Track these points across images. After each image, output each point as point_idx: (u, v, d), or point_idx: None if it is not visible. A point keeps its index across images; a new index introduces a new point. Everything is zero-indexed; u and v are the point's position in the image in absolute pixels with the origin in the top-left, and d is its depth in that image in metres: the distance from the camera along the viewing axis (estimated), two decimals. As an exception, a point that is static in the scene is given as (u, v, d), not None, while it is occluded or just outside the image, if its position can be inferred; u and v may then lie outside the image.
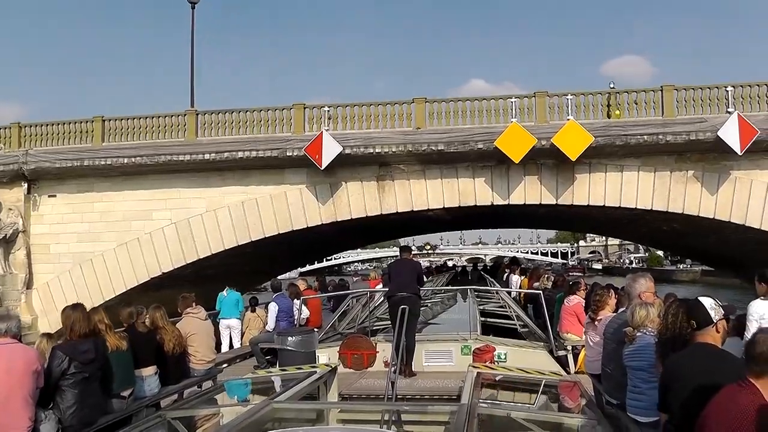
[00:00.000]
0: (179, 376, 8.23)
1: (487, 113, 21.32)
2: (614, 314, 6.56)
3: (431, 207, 21.68)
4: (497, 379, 6.86)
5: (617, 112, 20.92)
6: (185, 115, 23.34)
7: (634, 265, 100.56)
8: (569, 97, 20.75)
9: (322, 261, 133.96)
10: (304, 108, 22.31)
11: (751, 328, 6.82)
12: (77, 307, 6.36)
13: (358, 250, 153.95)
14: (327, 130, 20.66)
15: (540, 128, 20.09)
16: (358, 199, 21.48)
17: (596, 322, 7.14)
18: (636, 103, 21.06)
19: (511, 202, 21.02)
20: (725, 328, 4.09)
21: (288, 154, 20.88)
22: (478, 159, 20.83)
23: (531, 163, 20.40)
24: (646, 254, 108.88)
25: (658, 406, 4.16)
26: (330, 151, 20.16)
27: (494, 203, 21.13)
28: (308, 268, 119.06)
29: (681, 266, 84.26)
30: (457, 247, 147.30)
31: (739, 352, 3.85)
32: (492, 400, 6.01)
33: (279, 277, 31.30)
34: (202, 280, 21.32)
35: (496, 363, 8.63)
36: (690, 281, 69.86)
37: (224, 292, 16.32)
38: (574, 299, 10.78)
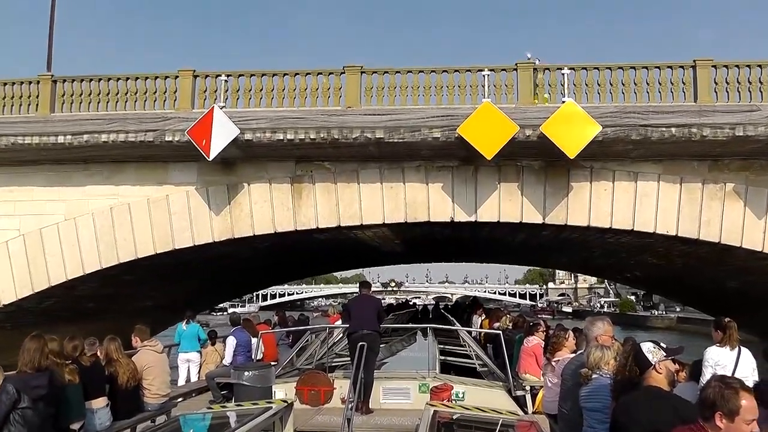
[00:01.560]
0: (132, 410, 8.09)
1: (448, 91, 15.53)
2: (573, 355, 6.61)
3: (366, 222, 15.87)
4: (454, 417, 6.84)
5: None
6: (38, 82, 16.97)
7: (605, 309, 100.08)
8: (565, 71, 15.26)
9: (275, 295, 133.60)
10: (194, 76, 16.31)
11: (706, 373, 6.97)
12: (35, 338, 6.15)
13: (321, 285, 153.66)
14: (222, 107, 15.22)
15: (523, 113, 14.51)
16: (265, 209, 15.73)
17: (553, 363, 7.20)
18: (648, 84, 15.26)
19: (479, 220, 15.38)
20: (669, 369, 4.22)
21: (168, 138, 15.03)
22: (433, 156, 15.20)
23: (509, 164, 15.09)
24: (617, 299, 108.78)
25: None
26: (222, 135, 14.56)
27: (455, 220, 15.47)
28: (269, 302, 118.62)
29: (655, 312, 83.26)
30: (423, 285, 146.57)
31: (695, 397, 3.94)
32: (448, 439, 5.99)
33: (237, 311, 30.76)
34: (80, 318, 16.87)
35: (453, 401, 8.60)
36: (665, 328, 68.95)
37: (183, 325, 15.79)
38: (533, 340, 10.89)
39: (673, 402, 4.00)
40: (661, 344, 4.35)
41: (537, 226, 15.56)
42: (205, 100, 16.10)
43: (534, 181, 15.06)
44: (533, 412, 9.25)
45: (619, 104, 14.84)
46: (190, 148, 14.70)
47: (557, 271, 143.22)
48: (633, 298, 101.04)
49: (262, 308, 72.28)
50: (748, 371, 7.22)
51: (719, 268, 17.68)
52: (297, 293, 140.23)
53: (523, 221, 15.01)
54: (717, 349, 7.46)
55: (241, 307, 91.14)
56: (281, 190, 15.71)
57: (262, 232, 15.82)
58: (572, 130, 13.96)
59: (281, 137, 14.66)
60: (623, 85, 15.23)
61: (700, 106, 14.43)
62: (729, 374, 6.39)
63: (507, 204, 15.03)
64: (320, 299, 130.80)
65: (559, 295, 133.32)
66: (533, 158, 15.00)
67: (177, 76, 16.43)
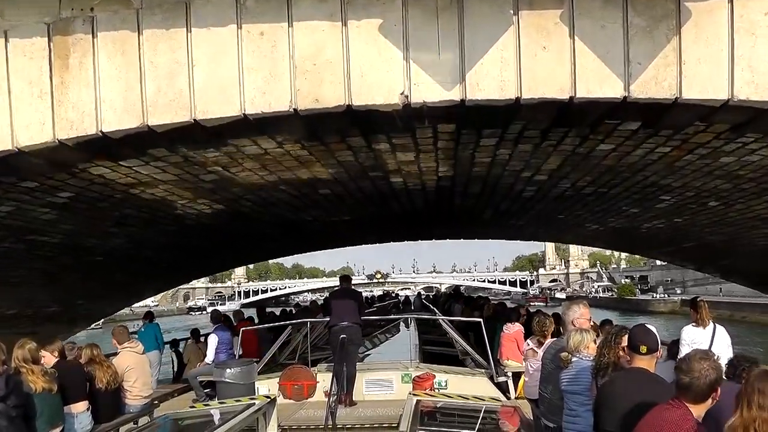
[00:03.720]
0: (114, 413, 8.01)
1: None
2: (552, 340, 6.66)
3: (204, 119, 6.42)
4: (437, 406, 6.89)
5: None
6: None
7: (601, 294, 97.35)
8: None
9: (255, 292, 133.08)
10: None
11: (683, 352, 7.10)
12: None
13: (305, 279, 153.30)
14: None
15: None
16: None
17: (536, 348, 7.24)
18: None
19: (472, 98, 6.03)
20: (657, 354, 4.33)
21: None
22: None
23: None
24: (611, 283, 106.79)
25: (594, 426, 4.35)
26: None
27: (413, 102, 6.11)
28: (251, 299, 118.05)
29: (656, 296, 79.31)
30: (410, 276, 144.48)
31: (672, 375, 4.02)
32: (432, 427, 6.04)
33: (221, 309, 30.25)
34: None
35: (436, 390, 8.66)
36: (669, 312, 66.49)
37: (141, 327, 15.41)
38: (514, 326, 10.97)
39: (661, 386, 4.05)
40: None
41: (598, 122, 6.71)
42: None
43: (598, 6, 6.02)
44: (516, 398, 9.35)
45: None
46: None
47: (547, 256, 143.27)
48: (627, 281, 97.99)
49: (243, 306, 72.10)
50: (723, 347, 7.40)
51: None
52: (280, 288, 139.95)
53: (576, 97, 6.05)
54: (693, 328, 7.70)
55: (221, 305, 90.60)
56: (28, 51, 6.77)
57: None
58: None
59: None
60: None
61: None
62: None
63: (538, 59, 6.03)
64: (306, 293, 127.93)
65: (550, 281, 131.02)
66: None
67: None
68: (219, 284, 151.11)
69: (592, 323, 6.29)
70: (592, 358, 5.07)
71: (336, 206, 12.01)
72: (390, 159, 8.45)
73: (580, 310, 5.93)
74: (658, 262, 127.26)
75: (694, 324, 7.79)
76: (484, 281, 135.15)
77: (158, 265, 15.78)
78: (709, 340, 7.49)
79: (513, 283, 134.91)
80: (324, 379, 9.12)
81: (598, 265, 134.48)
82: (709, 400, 3.38)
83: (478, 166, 8.95)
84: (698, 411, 3.37)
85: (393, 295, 55.09)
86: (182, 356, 15.65)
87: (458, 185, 10.49)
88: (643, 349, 4.17)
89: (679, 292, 72.65)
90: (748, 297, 62.18)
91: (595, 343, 5.22)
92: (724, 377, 3.62)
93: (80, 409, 7.29)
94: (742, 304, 59.31)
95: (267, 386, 8.88)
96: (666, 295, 77.34)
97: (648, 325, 4.44)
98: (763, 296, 61.77)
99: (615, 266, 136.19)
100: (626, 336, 4.43)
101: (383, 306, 31.67)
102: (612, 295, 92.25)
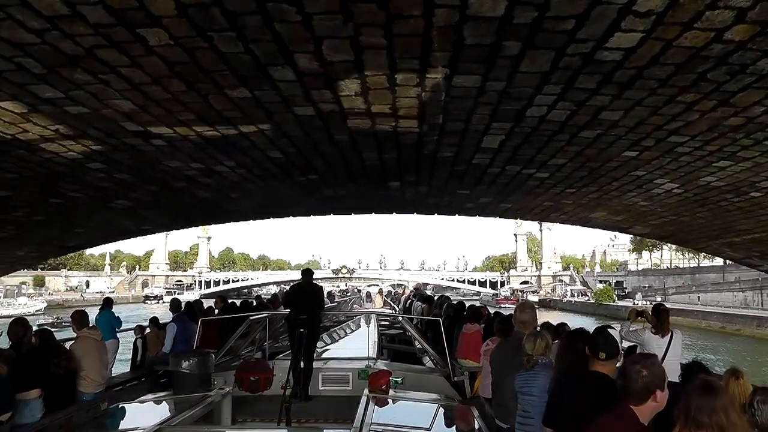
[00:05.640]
0: (67, 400, 7.91)
1: None
2: (504, 340, 6.75)
3: None
4: (393, 403, 6.94)
5: None
6: None
7: (576, 299, 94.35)
8: None
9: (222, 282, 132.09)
10: None
11: None
12: None
13: (268, 271, 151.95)
14: None
15: None
16: None
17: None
18: None
19: None
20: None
21: None
22: None
23: None
24: (584, 287, 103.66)
25: (544, 419, 4.42)
26: None
27: None
28: (212, 289, 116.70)
29: (635, 302, 71.32)
30: (377, 272, 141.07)
31: None
32: (386, 424, 6.09)
33: (180, 298, 29.53)
34: None
35: (393, 387, 8.72)
36: None
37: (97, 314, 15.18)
38: (473, 327, 11.05)
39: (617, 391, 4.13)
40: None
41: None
42: None
43: None
44: (471, 397, 9.43)
45: None
46: None
47: (519, 257, 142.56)
48: (602, 286, 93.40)
49: (203, 296, 70.98)
50: (677, 354, 7.53)
51: None
52: (243, 280, 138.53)
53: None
54: (651, 335, 7.74)
55: (179, 294, 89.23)
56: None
57: None
58: None
59: None
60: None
61: None
62: (660, 357, 6.64)
63: None
64: (270, 286, 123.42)
65: (521, 283, 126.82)
66: None
67: None
68: (180, 272, 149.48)
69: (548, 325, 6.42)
70: (546, 361, 5.17)
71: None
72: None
73: (531, 313, 6.14)
74: (632, 268, 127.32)
75: (652, 330, 7.74)
76: (453, 280, 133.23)
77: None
78: (665, 348, 7.59)
79: (483, 284, 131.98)
80: (281, 372, 9.13)
81: (571, 268, 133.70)
82: (650, 402, 3.40)
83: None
84: (642, 413, 3.41)
85: (356, 290, 55.04)
86: (146, 343, 15.45)
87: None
88: (602, 355, 4.25)
89: (659, 299, 68.30)
90: (739, 308, 60.35)
91: (550, 345, 5.33)
92: (669, 379, 3.66)
93: (32, 396, 7.18)
94: (735, 316, 55.02)
95: (223, 378, 8.87)
96: (647, 303, 74.14)
97: (610, 329, 4.52)
98: (752, 308, 60.25)
99: (588, 270, 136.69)
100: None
101: (345, 301, 31.69)
102: (588, 299, 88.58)
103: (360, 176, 8.69)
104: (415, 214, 13.80)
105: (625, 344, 7.67)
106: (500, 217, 13.60)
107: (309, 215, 14.05)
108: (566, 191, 9.14)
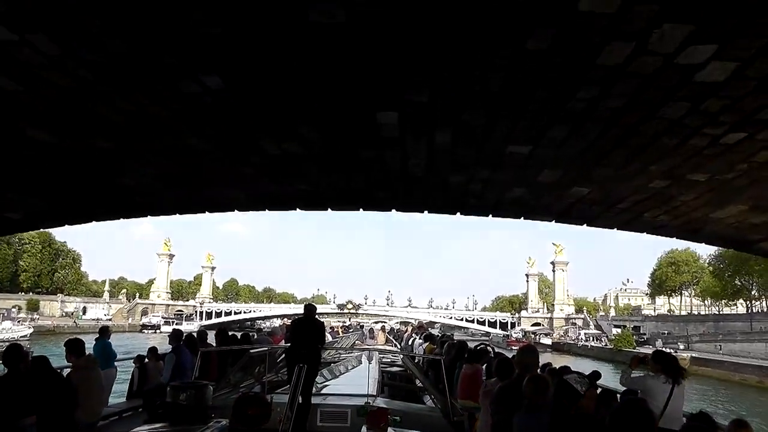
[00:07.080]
0: (63, 429, 7.84)
1: None
2: (504, 382, 6.70)
3: None
4: (389, 442, 6.87)
5: None
6: None
7: (592, 343, 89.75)
8: None
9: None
10: None
11: None
12: None
13: (271, 304, 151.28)
14: None
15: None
16: None
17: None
18: None
19: None
20: (594, 394, 4.43)
21: None
22: None
23: None
24: (598, 331, 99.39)
25: None
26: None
27: None
28: (213, 321, 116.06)
29: (662, 347, 66.95)
30: (383, 308, 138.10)
31: None
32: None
33: (179, 327, 29.30)
34: None
35: (391, 426, 8.62)
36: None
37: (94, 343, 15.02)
38: (473, 367, 10.97)
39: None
40: (583, 373, 4.54)
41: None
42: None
43: None
44: (470, 438, 9.31)
45: None
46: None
47: (529, 298, 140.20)
48: (618, 331, 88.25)
49: (205, 327, 70.08)
50: (680, 402, 7.45)
51: None
52: (245, 312, 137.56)
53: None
54: (654, 381, 7.64)
55: (178, 324, 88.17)
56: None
57: None
58: None
59: None
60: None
61: None
62: (663, 404, 6.60)
63: None
64: (274, 319, 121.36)
65: (532, 325, 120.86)
66: None
67: None
68: (180, 302, 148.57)
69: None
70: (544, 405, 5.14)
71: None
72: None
73: (534, 357, 6.09)
74: (646, 312, 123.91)
75: (651, 375, 7.69)
76: (462, 319, 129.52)
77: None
78: (668, 395, 7.46)
79: (492, 324, 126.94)
80: (279, 406, 9.04)
81: (584, 311, 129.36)
82: None
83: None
84: None
85: (359, 326, 54.94)
86: (146, 373, 15.34)
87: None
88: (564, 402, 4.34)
89: (681, 347, 65.63)
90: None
91: (551, 388, 5.29)
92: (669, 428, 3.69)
93: (27, 423, 7.12)
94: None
95: (221, 411, 8.78)
96: (671, 350, 69.78)
97: (566, 377, 4.60)
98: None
99: (602, 314, 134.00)
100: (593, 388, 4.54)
101: (347, 336, 31.53)
102: (604, 345, 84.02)
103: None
104: (426, 212, 9.49)
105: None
106: (557, 221, 9.07)
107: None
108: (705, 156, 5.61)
